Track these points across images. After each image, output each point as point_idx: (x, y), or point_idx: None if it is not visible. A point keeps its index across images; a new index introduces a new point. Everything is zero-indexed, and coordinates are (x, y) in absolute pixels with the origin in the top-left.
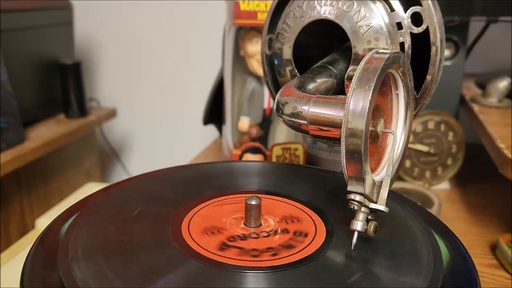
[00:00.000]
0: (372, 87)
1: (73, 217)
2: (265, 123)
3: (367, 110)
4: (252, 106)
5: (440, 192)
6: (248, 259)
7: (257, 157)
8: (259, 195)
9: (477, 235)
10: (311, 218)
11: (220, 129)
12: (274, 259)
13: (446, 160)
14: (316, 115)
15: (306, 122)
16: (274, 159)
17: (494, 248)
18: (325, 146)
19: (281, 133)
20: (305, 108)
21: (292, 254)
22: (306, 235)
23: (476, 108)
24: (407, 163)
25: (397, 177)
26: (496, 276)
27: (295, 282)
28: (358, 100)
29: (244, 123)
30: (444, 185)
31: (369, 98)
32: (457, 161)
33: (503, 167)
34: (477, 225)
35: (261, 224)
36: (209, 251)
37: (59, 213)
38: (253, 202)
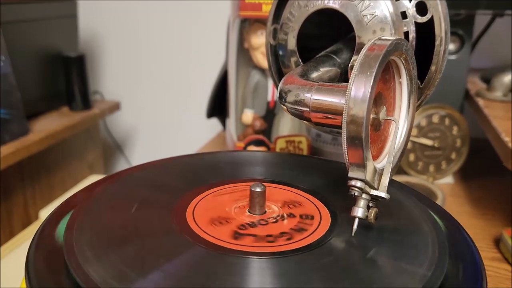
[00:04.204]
0: (374, 73)
1: (73, 209)
2: (269, 115)
3: (368, 96)
4: (256, 99)
5: (444, 186)
6: (266, 245)
7: (261, 149)
8: (263, 183)
9: (480, 229)
10: (312, 202)
11: (223, 122)
12: (291, 243)
13: (450, 154)
14: (318, 102)
15: (308, 110)
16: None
17: (497, 242)
18: (329, 139)
19: (285, 125)
20: (308, 95)
21: (307, 237)
22: (312, 217)
23: (481, 102)
24: (411, 157)
25: (398, 165)
26: (499, 269)
27: (319, 263)
28: (360, 86)
29: (248, 115)
30: (448, 179)
31: (371, 84)
32: (461, 155)
33: (507, 160)
34: (481, 219)
35: (265, 211)
36: (224, 241)
37: (61, 203)
38: (258, 189)
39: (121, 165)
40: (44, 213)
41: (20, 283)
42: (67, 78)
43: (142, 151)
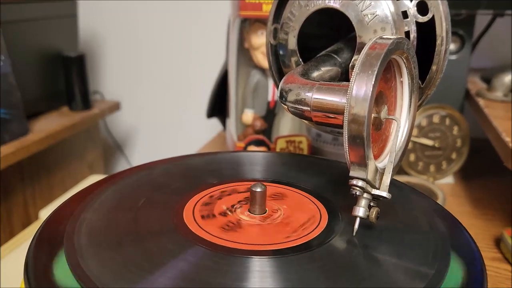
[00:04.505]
0: (375, 72)
1: (74, 209)
2: (269, 115)
3: (370, 95)
4: (256, 99)
5: (444, 186)
6: (266, 244)
7: (261, 149)
8: (263, 183)
9: (481, 229)
10: (313, 201)
11: (223, 122)
12: (292, 242)
13: (450, 154)
14: (319, 102)
15: (309, 109)
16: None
17: (498, 242)
18: (329, 139)
19: (285, 125)
20: (309, 94)
21: (307, 236)
22: (313, 217)
23: (481, 102)
24: (412, 157)
25: (400, 165)
26: (500, 269)
27: (320, 262)
28: (361, 85)
29: (248, 115)
30: (448, 179)
31: (372, 83)
32: (461, 155)
33: (507, 160)
34: (481, 219)
35: (266, 211)
36: (225, 240)
37: (61, 203)
38: (258, 189)
39: (121, 165)
40: (44, 213)
41: (20, 283)
42: (67, 78)
43: (142, 151)
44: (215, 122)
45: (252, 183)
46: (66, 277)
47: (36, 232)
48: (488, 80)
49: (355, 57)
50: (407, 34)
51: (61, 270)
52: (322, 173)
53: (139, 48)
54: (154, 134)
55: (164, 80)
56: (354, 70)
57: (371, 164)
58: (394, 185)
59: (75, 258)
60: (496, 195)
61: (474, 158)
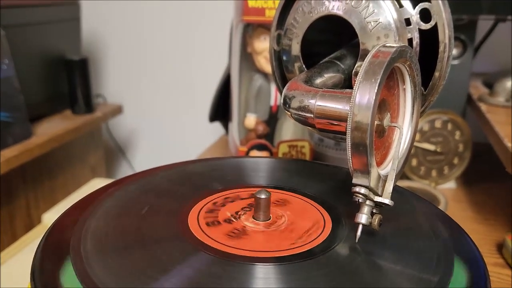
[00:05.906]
0: (378, 80)
1: (80, 214)
2: (272, 120)
3: (373, 103)
4: (258, 103)
5: (446, 191)
6: (270, 250)
7: (264, 154)
8: (267, 189)
9: (483, 234)
10: (316, 208)
11: (226, 126)
12: (296, 249)
13: (452, 159)
14: (322, 109)
15: (312, 116)
16: (280, 156)
17: (500, 247)
18: (332, 144)
19: (287, 130)
20: (312, 101)
21: (311, 242)
22: (316, 223)
23: (483, 107)
24: (414, 162)
25: (402, 172)
26: (502, 275)
27: (323, 269)
28: (364, 93)
29: (251, 120)
30: (450, 184)
31: (375, 91)
32: (463, 160)
33: (509, 165)
34: (484, 224)
35: (270, 217)
36: (230, 247)
37: (66, 208)
38: (263, 196)
39: (123, 169)
40: (47, 217)
41: (27, 284)
42: (70, 81)
43: (144, 154)
44: (217, 126)
45: (256, 189)
46: (73, 283)
47: (42, 238)
48: (490, 85)
49: (358, 63)
50: (410, 41)
51: (68, 276)
52: (325, 179)
53: (141, 51)
54: (156, 138)
55: (167, 83)
56: (357, 78)
57: (374, 171)
58: (396, 191)
59: (82, 264)
60: (498, 200)
61: (476, 163)
